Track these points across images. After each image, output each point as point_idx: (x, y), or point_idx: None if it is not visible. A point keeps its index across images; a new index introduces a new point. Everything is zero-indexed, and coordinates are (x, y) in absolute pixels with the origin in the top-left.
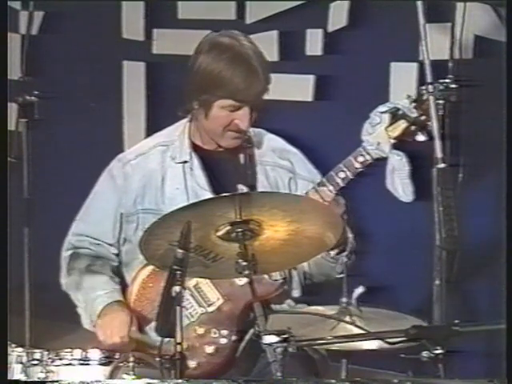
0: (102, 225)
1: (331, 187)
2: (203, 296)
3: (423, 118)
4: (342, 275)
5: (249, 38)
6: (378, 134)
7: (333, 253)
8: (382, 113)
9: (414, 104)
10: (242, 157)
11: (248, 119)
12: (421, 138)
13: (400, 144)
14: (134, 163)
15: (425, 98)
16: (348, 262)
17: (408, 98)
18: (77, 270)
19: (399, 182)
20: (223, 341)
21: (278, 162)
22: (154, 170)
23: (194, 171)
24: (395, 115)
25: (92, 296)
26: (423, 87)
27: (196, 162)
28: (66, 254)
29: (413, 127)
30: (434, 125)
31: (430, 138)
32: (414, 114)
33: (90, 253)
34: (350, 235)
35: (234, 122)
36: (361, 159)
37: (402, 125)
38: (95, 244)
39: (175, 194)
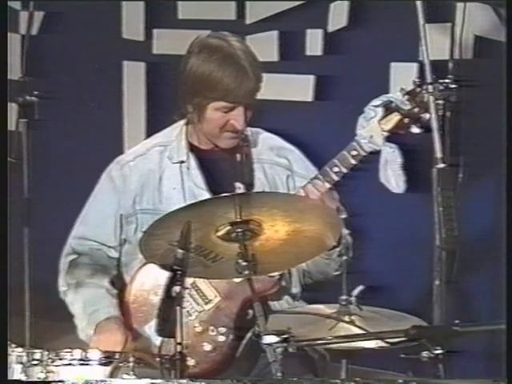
0: (103, 227)
1: (326, 182)
2: (201, 294)
3: (416, 110)
4: (338, 273)
5: (239, 38)
6: (371, 128)
7: None
8: (376, 106)
9: (406, 96)
10: (238, 155)
11: (243, 119)
12: (415, 130)
13: (397, 140)
14: (133, 164)
15: (418, 90)
16: (343, 258)
17: (401, 90)
18: (74, 280)
19: (392, 174)
20: (221, 338)
21: (276, 160)
22: (152, 171)
23: (191, 171)
24: (388, 108)
25: (88, 310)
26: (417, 80)
27: (193, 161)
28: (66, 259)
29: (406, 120)
30: (434, 125)
31: (425, 130)
32: (407, 106)
33: (90, 261)
34: (345, 231)
35: (230, 122)
36: (354, 153)
37: (394, 117)
38: (96, 249)
39: (172, 194)
